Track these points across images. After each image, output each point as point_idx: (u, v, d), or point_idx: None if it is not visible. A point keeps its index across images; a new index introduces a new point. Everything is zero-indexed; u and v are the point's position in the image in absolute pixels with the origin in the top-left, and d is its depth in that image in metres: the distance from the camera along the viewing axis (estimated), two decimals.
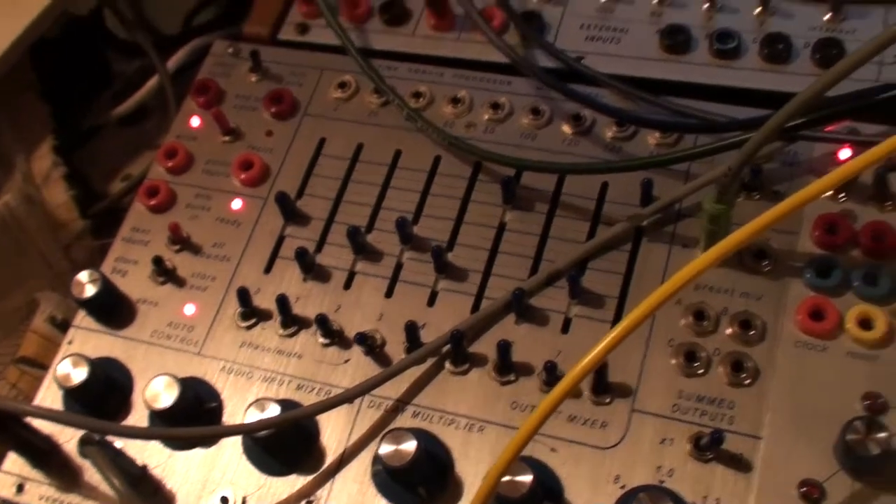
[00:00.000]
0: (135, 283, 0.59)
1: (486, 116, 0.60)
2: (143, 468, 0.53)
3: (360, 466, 0.51)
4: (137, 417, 0.54)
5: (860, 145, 0.53)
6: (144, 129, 0.73)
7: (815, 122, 0.52)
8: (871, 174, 0.52)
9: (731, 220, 0.51)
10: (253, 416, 0.50)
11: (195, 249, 0.59)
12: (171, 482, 0.52)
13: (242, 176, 0.61)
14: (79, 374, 0.53)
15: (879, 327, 0.49)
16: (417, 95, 0.62)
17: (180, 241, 0.59)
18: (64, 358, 0.53)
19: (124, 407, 0.55)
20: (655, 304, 0.41)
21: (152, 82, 0.71)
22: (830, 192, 0.53)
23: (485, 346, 0.53)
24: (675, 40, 0.61)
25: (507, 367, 0.51)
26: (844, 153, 0.54)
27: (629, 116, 0.57)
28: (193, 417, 0.53)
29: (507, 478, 0.45)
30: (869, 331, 0.49)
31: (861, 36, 0.59)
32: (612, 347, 0.41)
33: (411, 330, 0.52)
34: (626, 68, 0.61)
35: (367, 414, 0.52)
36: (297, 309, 0.56)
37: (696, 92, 0.60)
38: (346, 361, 0.54)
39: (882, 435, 0.44)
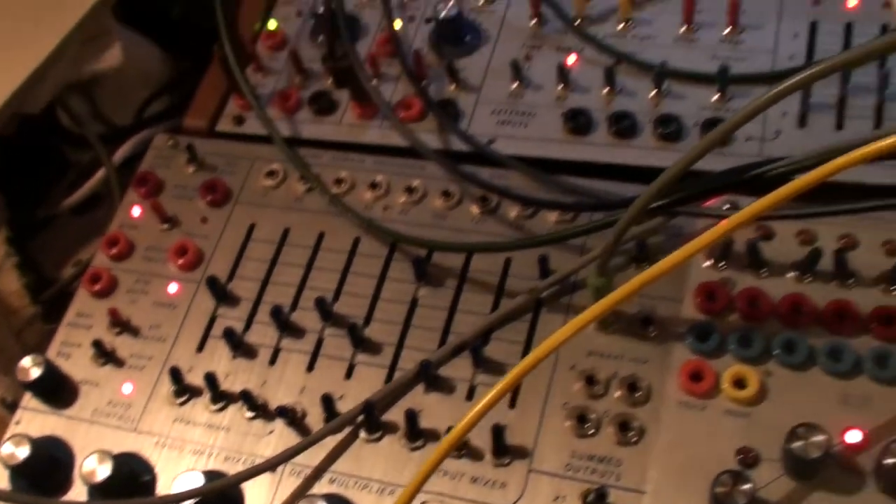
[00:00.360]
0: (78, 365, 0.63)
1: (402, 199, 0.65)
2: None
3: None
4: (78, 492, 0.58)
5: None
6: (96, 216, 0.78)
7: (691, 198, 0.57)
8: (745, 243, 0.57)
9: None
10: (180, 486, 0.54)
11: (134, 331, 0.63)
12: None
13: (178, 261, 0.65)
14: (21, 453, 0.57)
15: (752, 386, 0.53)
16: (339, 181, 0.67)
17: (120, 324, 0.63)
18: (8, 438, 0.57)
19: (67, 483, 0.59)
20: (521, 372, 0.45)
21: (99, 174, 0.76)
22: (711, 262, 0.58)
23: (396, 414, 0.57)
24: (577, 122, 0.66)
25: (416, 433, 0.55)
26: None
27: (500, 190, 0.63)
28: (129, 490, 0.57)
29: None
30: (742, 389, 0.53)
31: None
32: (478, 419, 0.45)
33: (328, 402, 0.56)
34: (533, 149, 0.66)
35: (288, 481, 0.56)
36: (226, 385, 0.60)
37: (597, 170, 0.64)
38: (270, 433, 0.58)
39: (747, 487, 0.48)
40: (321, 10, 0.72)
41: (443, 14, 0.71)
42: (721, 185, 0.56)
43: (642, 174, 0.62)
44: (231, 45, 0.72)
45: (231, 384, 0.60)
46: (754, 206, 0.46)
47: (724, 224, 0.47)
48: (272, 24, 0.77)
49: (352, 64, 0.68)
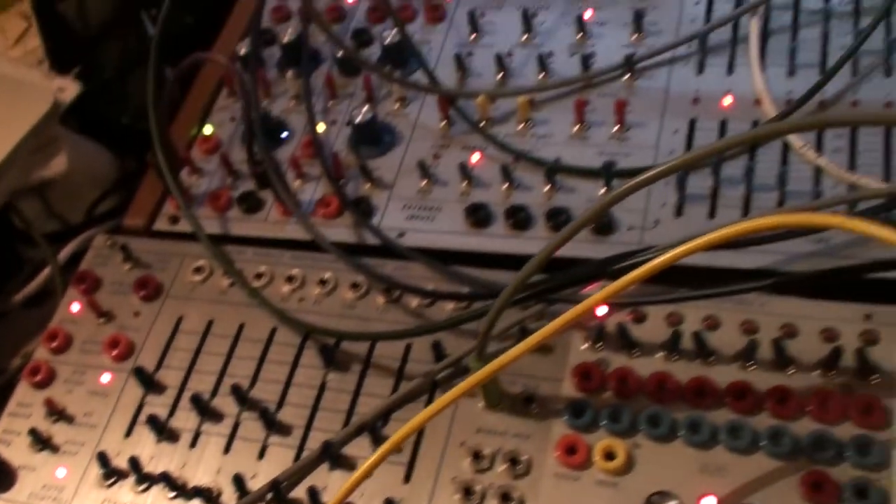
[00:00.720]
0: (17, 451, 0.68)
1: (316, 291, 0.71)
2: None
3: None
4: None
5: (612, 304, 0.63)
6: (44, 311, 0.84)
7: (566, 285, 0.62)
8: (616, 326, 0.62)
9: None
10: None
11: (69, 419, 0.69)
12: None
13: (111, 353, 0.71)
14: None
15: (620, 457, 0.58)
16: (259, 276, 0.72)
17: (56, 412, 0.69)
18: None
19: None
20: (385, 451, 0.51)
21: (46, 272, 0.82)
22: (589, 344, 0.63)
23: (302, 491, 0.62)
24: (478, 216, 0.72)
25: None
26: (602, 309, 0.64)
27: (381, 278, 0.69)
28: None
29: None
30: (612, 461, 0.58)
31: (628, 206, 0.70)
32: (352, 489, 0.51)
33: (239, 481, 0.62)
34: (439, 242, 0.72)
35: None
36: (150, 467, 0.65)
37: (497, 260, 0.70)
38: None
39: None
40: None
41: (358, 119, 0.77)
42: (584, 276, 0.62)
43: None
44: (167, 151, 0.78)
45: (154, 466, 0.65)
46: (596, 296, 0.52)
47: (568, 314, 0.52)
48: (208, 129, 0.84)
49: (266, 168, 0.74)
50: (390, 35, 0.81)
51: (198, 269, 0.74)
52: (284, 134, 0.81)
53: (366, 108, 0.78)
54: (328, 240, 0.71)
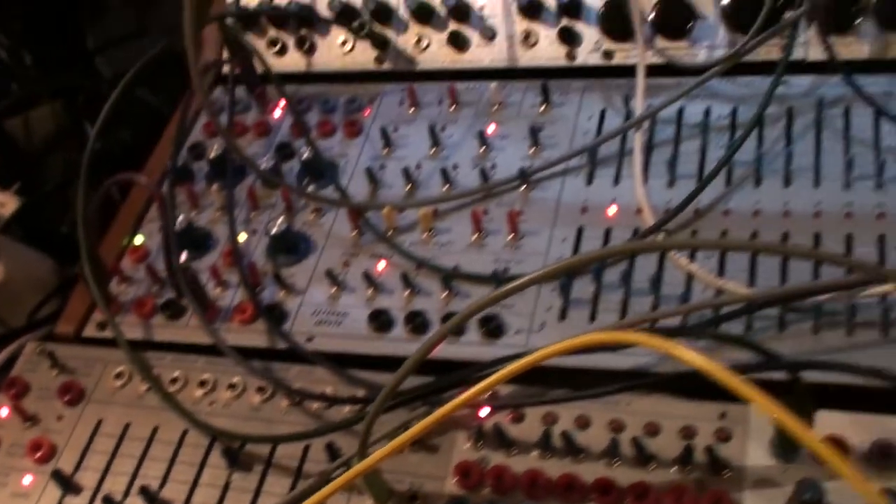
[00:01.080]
0: None
1: (226, 395, 0.76)
2: None
3: None
4: None
5: (496, 406, 0.68)
6: None
7: (445, 388, 0.67)
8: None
9: (381, 472, 0.65)
10: None
11: None
12: None
13: (34, 456, 0.75)
14: None
15: None
16: (174, 380, 0.77)
17: None
18: None
19: None
20: None
21: None
22: (471, 443, 0.68)
23: None
24: (380, 321, 0.77)
25: None
26: (485, 411, 0.69)
27: (277, 382, 0.74)
28: None
29: None
30: None
31: (517, 310, 0.75)
32: None
33: None
34: (345, 346, 0.77)
35: None
36: None
37: (398, 363, 0.75)
38: None
39: None
40: (178, 227, 0.84)
41: (274, 230, 0.83)
42: (453, 381, 0.67)
43: (435, 366, 0.73)
44: (95, 262, 0.83)
45: None
46: (454, 401, 0.57)
47: (429, 418, 0.57)
48: (138, 240, 0.89)
49: (178, 281, 0.79)
50: (307, 151, 0.87)
51: (118, 375, 0.79)
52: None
53: (281, 219, 0.83)
54: (227, 344, 0.76)
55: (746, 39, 0.82)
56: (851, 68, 0.80)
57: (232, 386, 0.76)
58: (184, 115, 0.90)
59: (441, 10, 0.93)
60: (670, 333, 0.68)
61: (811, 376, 0.63)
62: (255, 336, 0.79)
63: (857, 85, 0.78)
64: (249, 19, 0.97)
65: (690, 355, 0.46)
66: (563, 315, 0.74)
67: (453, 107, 0.90)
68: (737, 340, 0.66)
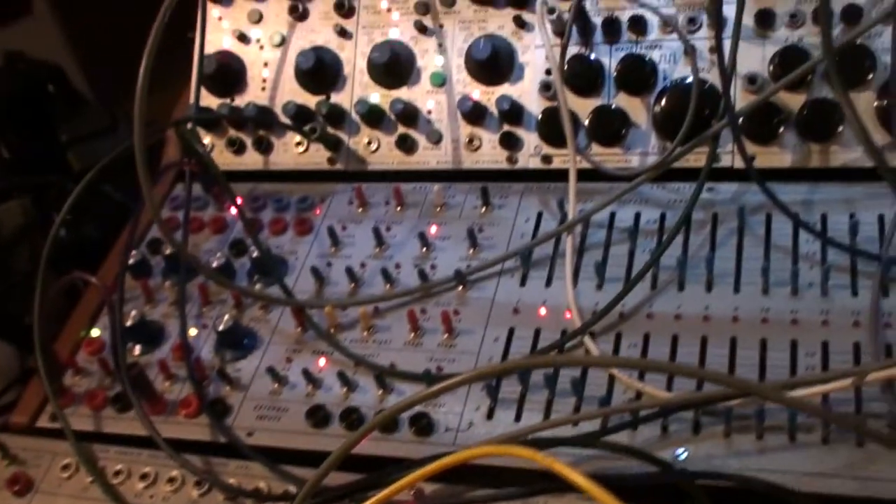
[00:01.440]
0: None
1: (167, 489, 0.78)
2: None
3: None
4: None
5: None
6: None
7: (368, 486, 0.70)
8: None
9: None
10: None
11: None
12: None
13: None
14: None
15: None
16: (118, 473, 0.80)
17: None
18: None
19: None
20: None
21: None
22: None
23: None
24: (317, 417, 0.80)
25: None
26: None
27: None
28: None
29: None
30: None
31: (447, 409, 0.78)
32: None
33: None
34: (283, 441, 0.80)
35: None
36: None
37: None
38: None
39: None
40: (132, 321, 0.88)
41: (221, 326, 0.86)
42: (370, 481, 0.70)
43: (368, 462, 0.76)
44: (48, 356, 0.87)
45: None
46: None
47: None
48: (94, 332, 0.93)
49: (123, 376, 0.83)
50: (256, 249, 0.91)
51: (65, 467, 0.82)
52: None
53: (227, 315, 0.87)
54: (170, 436, 0.80)
55: (672, 148, 0.86)
56: (771, 177, 0.83)
57: (171, 480, 0.78)
58: (137, 217, 0.94)
59: (390, 114, 0.97)
60: (560, 443, 0.71)
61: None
62: (199, 430, 0.82)
63: (772, 193, 0.82)
64: (209, 123, 1.01)
65: (567, 471, 0.49)
66: (490, 415, 0.77)
67: (399, 207, 0.94)
68: (625, 450, 0.69)
